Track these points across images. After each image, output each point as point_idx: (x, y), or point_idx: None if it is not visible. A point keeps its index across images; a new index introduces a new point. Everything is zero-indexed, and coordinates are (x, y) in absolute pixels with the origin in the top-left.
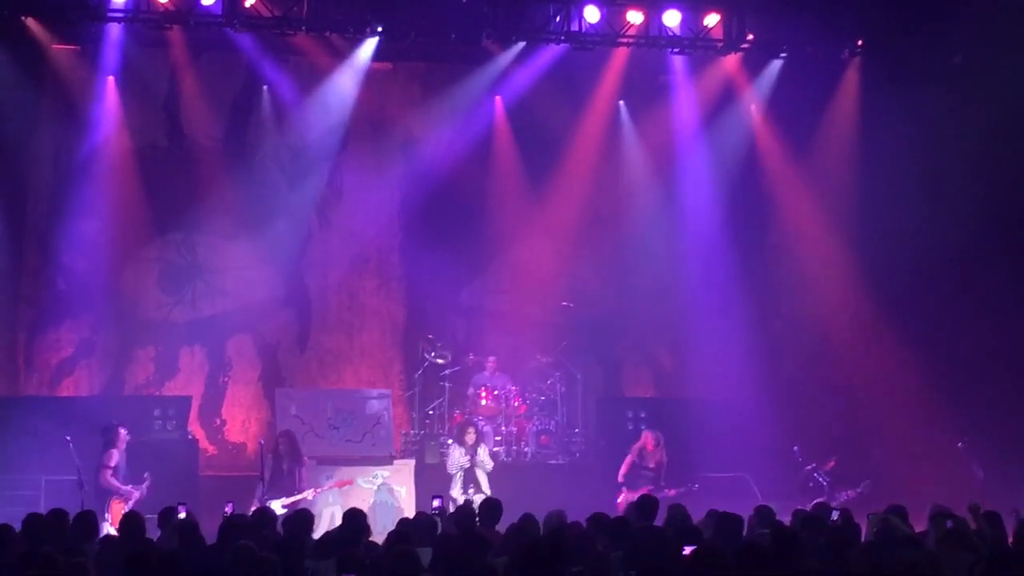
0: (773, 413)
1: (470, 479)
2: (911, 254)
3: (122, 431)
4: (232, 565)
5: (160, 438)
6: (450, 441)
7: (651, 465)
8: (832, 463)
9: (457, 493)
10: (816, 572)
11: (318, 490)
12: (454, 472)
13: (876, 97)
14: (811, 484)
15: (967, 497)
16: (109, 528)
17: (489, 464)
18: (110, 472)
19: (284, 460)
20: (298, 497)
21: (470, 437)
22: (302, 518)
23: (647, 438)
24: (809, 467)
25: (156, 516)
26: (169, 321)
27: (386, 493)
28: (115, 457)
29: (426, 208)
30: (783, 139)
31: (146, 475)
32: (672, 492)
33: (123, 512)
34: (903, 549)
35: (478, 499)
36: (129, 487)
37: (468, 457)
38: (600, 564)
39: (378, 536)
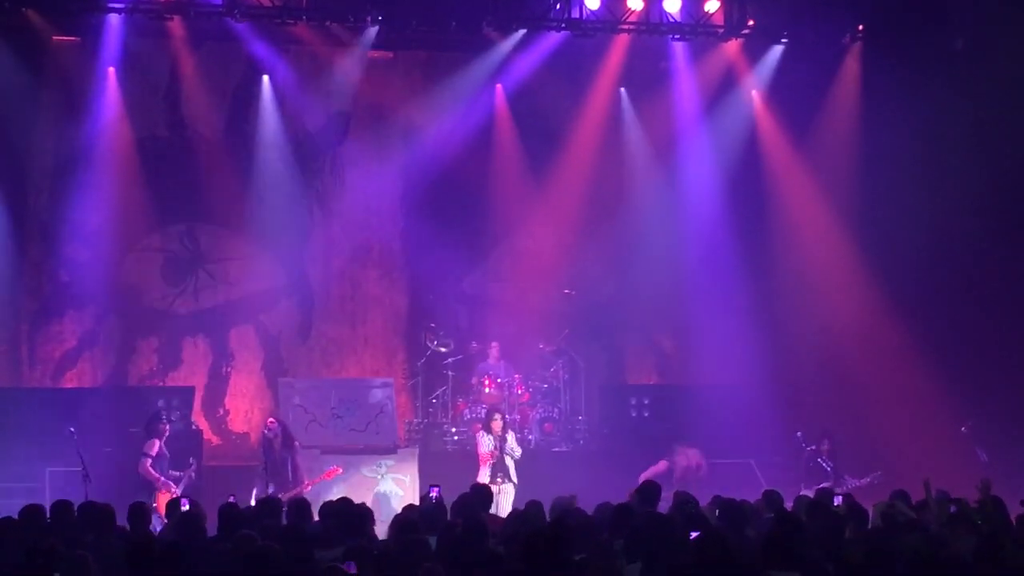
0: (776, 399)
1: (499, 467)
2: (914, 238)
3: (167, 427)
4: (234, 555)
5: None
6: (453, 430)
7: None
8: (826, 444)
9: (485, 482)
10: (819, 558)
11: (313, 482)
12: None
13: (877, 82)
14: (812, 465)
15: (971, 481)
16: (156, 518)
17: (518, 452)
18: (149, 461)
19: (277, 450)
20: (294, 492)
21: (497, 425)
22: (301, 507)
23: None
24: (811, 448)
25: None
26: (172, 312)
27: (390, 482)
28: (156, 446)
29: (428, 197)
30: (784, 124)
31: (191, 460)
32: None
33: (169, 499)
34: (906, 534)
35: (507, 488)
36: (166, 478)
37: (497, 445)
38: (604, 551)
39: (383, 524)
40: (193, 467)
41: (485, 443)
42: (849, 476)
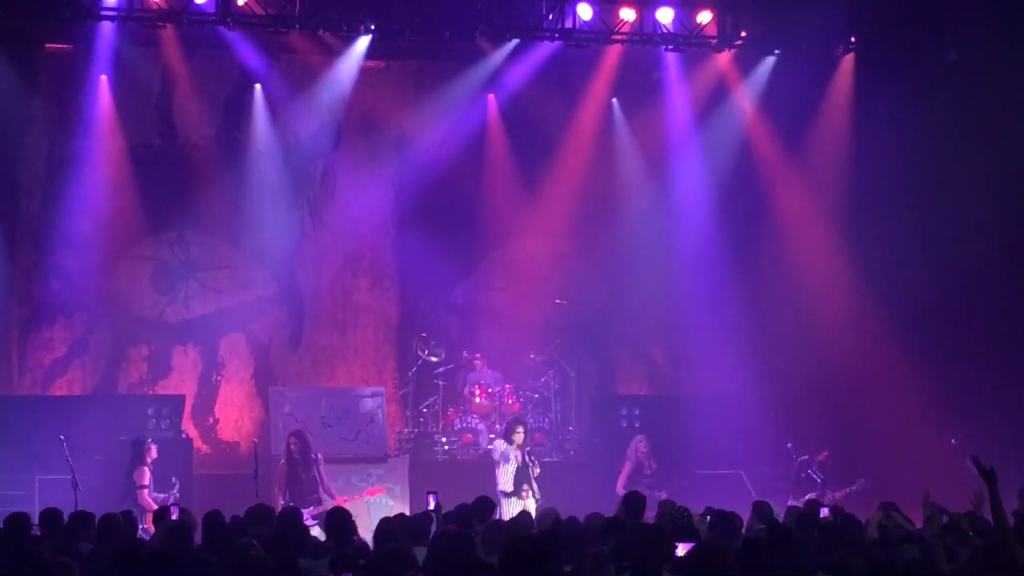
0: (766, 410)
1: (523, 478)
2: (905, 250)
3: (153, 447)
4: (222, 564)
5: (154, 437)
6: (443, 439)
7: (648, 472)
8: (824, 455)
9: (508, 488)
10: (812, 569)
11: (352, 498)
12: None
13: (870, 93)
14: (803, 476)
15: (961, 494)
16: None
17: (536, 469)
18: (147, 491)
19: (299, 465)
20: (327, 507)
21: (519, 436)
22: (290, 516)
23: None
24: (802, 459)
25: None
26: (162, 320)
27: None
28: (147, 475)
29: (419, 206)
30: (776, 136)
31: (174, 479)
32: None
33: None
34: (906, 545)
35: (530, 503)
36: (164, 496)
37: (520, 457)
38: (593, 562)
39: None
40: (176, 487)
41: (511, 456)
42: (831, 490)
